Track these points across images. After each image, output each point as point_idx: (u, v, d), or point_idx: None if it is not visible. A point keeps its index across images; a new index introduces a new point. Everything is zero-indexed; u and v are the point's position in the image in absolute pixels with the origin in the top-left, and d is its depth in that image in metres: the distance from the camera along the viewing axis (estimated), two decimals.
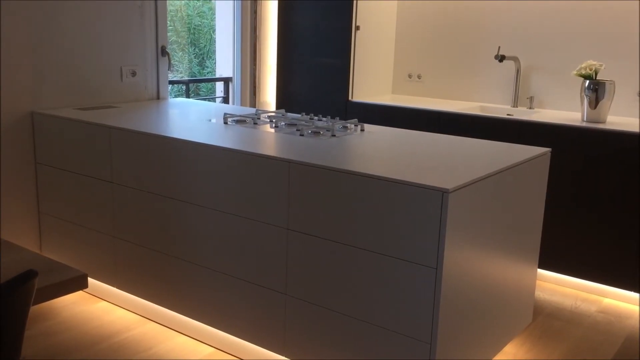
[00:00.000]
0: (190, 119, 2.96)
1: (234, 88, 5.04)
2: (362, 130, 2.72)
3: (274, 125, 2.74)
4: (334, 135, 2.55)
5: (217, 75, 5.16)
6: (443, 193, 1.83)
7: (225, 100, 5.05)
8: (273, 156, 2.17)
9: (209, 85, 6.25)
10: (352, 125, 2.75)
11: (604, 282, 3.20)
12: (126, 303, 2.84)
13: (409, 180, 1.90)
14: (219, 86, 5.29)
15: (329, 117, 2.89)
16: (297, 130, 2.62)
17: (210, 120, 2.85)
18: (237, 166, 2.26)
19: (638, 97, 3.42)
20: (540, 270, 3.37)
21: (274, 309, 2.27)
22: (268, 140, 2.50)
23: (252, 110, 3.11)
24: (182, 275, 2.51)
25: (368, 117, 3.71)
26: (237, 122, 2.77)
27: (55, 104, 3.04)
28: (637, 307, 3.13)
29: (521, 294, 2.52)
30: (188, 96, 5.34)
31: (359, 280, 2.04)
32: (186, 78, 6.30)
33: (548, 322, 2.94)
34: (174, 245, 2.51)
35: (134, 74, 3.37)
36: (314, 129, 2.61)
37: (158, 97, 3.55)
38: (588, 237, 3.18)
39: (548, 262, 3.30)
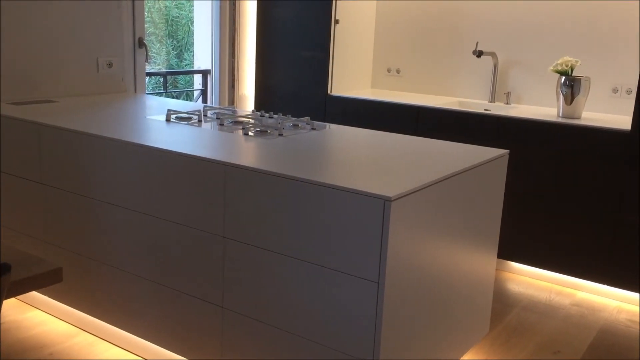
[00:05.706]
0: (133, 116, 2.77)
1: (213, 81, 4.95)
2: (313, 129, 2.53)
3: (219, 123, 2.55)
4: (281, 135, 2.37)
5: (196, 68, 5.06)
6: (385, 201, 1.66)
7: (204, 92, 4.93)
8: (208, 158, 1.99)
9: (187, 77, 6.08)
10: (304, 124, 2.57)
11: (578, 276, 3.19)
12: (59, 312, 2.66)
13: (348, 186, 1.73)
14: (197, 79, 5.17)
15: (281, 114, 2.72)
16: (242, 129, 2.44)
17: (152, 118, 2.66)
18: (170, 169, 2.08)
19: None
20: (515, 264, 3.41)
21: (210, 323, 2.10)
22: (208, 140, 2.31)
23: (201, 107, 2.92)
24: (114, 284, 2.34)
25: (347, 111, 3.74)
26: (181, 119, 2.59)
27: (23, 96, 2.92)
28: (610, 301, 3.14)
29: (477, 302, 2.35)
30: (166, 88, 5.20)
31: (299, 294, 1.87)
32: (164, 70, 6.13)
33: (523, 314, 2.95)
34: (104, 252, 2.34)
35: (110, 65, 3.31)
36: (261, 128, 2.43)
37: (135, 89, 3.51)
38: (562, 231, 3.16)
39: (523, 255, 3.31)
